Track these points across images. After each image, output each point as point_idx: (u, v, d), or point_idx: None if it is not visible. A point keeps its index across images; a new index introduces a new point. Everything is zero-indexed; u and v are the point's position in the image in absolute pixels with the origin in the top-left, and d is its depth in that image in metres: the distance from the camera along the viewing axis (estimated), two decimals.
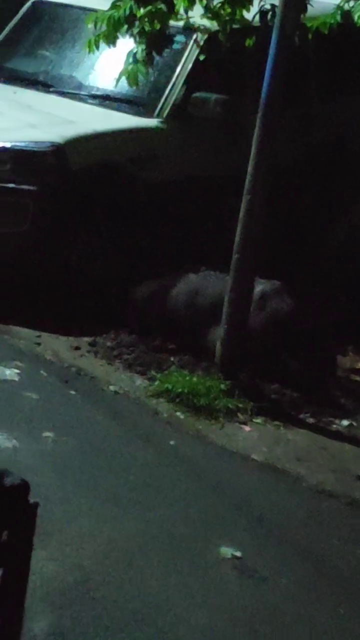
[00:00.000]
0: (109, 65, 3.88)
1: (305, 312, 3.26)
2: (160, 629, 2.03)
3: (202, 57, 3.75)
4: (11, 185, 3.37)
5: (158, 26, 3.47)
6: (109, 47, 3.54)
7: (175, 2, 3.49)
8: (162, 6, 3.46)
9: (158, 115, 3.81)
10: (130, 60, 3.53)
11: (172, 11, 3.53)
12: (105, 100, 3.92)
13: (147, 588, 2.19)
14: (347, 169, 4.17)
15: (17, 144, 3.42)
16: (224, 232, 3.51)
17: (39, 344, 3.45)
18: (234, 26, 3.54)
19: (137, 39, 3.52)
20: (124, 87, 3.70)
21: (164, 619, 2.05)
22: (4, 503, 1.19)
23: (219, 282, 3.37)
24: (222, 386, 3.22)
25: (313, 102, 3.98)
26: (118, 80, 3.59)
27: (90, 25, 3.52)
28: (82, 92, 3.97)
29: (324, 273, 3.80)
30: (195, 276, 3.52)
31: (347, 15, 3.32)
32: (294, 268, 3.79)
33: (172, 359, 3.41)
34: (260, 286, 3.31)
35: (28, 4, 4.17)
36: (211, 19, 3.61)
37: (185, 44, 3.83)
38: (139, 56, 3.54)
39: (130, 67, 3.54)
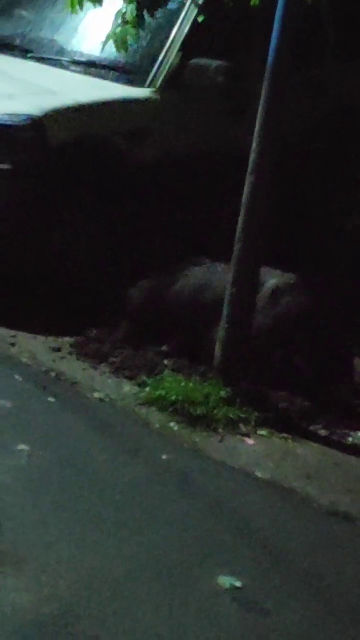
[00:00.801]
0: (94, 27, 3.58)
1: (325, 312, 2.93)
2: None
3: (200, 19, 3.42)
4: None
5: None
6: (95, 6, 3.21)
7: None
8: None
9: (151, 85, 3.50)
10: (119, 21, 3.22)
11: None
12: (91, 67, 3.61)
13: (134, 623, 2.00)
14: None
15: None
16: (228, 218, 3.18)
17: (13, 344, 3.18)
18: None
19: None
20: (111, 52, 3.39)
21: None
22: None
23: (224, 276, 3.04)
24: (222, 393, 2.94)
25: (327, 67, 3.62)
26: (104, 44, 3.29)
27: None
28: (65, 58, 3.66)
29: (340, 263, 3.48)
30: (199, 269, 3.20)
31: None
32: (306, 259, 3.46)
33: (165, 362, 3.09)
34: (272, 280, 2.97)
35: None
36: None
37: (182, 4, 3.52)
38: (129, 17, 3.22)
39: (119, 29, 3.22)
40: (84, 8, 3.21)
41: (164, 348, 3.12)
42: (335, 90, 3.73)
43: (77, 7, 3.19)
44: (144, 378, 3.00)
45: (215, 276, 3.12)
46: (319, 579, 2.29)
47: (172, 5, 3.42)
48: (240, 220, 2.83)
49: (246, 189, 2.81)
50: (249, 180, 2.80)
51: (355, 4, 3.64)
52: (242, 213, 2.83)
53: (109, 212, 3.35)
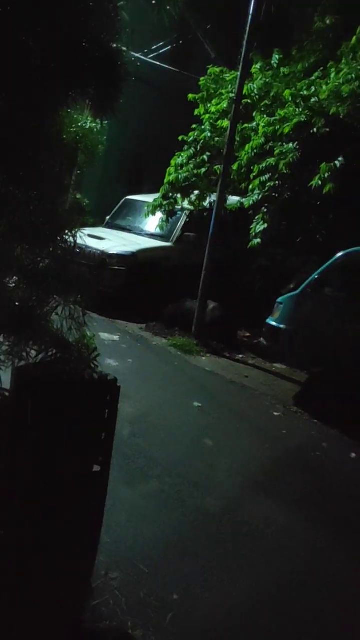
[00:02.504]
0: (153, 222, 9.41)
1: (226, 314, 8.53)
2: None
3: (187, 220, 9.34)
4: (116, 267, 8.77)
5: (171, 208, 9.06)
6: (153, 215, 9.14)
7: (177, 199, 9.11)
8: (172, 201, 9.08)
9: (171, 241, 9.35)
10: (161, 220, 9.14)
11: (175, 202, 9.14)
12: (151, 236, 9.45)
13: (163, 419, 6.46)
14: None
15: (119, 252, 8.87)
16: (197, 287, 8.81)
17: (126, 326, 8.59)
18: (199, 208, 9.13)
19: (163, 213, 9.12)
20: (158, 230, 9.26)
21: (161, 421, 7.04)
22: (109, 389, 2.01)
23: (195, 303, 8.68)
24: (195, 342, 8.36)
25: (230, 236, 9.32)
26: (156, 227, 9.17)
27: (146, 207, 9.15)
28: (143, 232, 9.52)
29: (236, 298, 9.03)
30: (188, 301, 8.83)
31: (241, 204, 8.75)
32: (224, 295, 9.01)
33: (177, 333, 8.63)
34: (211, 304, 8.65)
35: (122, 200, 9.93)
36: (190, 205, 9.22)
37: (181, 214, 9.42)
38: (163, 219, 9.14)
39: (161, 222, 9.14)
40: (149, 215, 9.17)
41: (176, 329, 8.71)
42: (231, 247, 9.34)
43: (149, 215, 9.14)
44: (169, 337, 8.45)
45: (193, 303, 8.76)
46: (229, 404, 6.28)
47: (178, 215, 9.36)
48: (200, 285, 8.52)
49: (202, 275, 8.51)
50: (204, 272, 8.53)
51: (238, 219, 9.37)
52: (201, 284, 8.51)
53: (158, 285, 8.92)
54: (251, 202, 8.09)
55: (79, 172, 8.30)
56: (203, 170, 8.77)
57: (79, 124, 9.35)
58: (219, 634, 2.77)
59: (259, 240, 7.90)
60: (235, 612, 2.94)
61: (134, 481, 4.07)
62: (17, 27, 1.70)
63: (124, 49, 1.94)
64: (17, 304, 2.32)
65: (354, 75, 7.42)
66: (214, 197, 8.51)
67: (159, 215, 9.08)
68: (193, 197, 9.06)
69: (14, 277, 2.44)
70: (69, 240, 2.40)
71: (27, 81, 1.81)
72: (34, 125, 1.91)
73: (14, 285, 2.45)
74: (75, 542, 2.12)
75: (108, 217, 10.30)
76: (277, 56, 9.06)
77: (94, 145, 8.95)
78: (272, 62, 9.03)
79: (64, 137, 2.37)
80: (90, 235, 8.31)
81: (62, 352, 2.28)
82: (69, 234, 2.42)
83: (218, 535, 3.61)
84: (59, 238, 2.43)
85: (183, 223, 9.39)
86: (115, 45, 1.88)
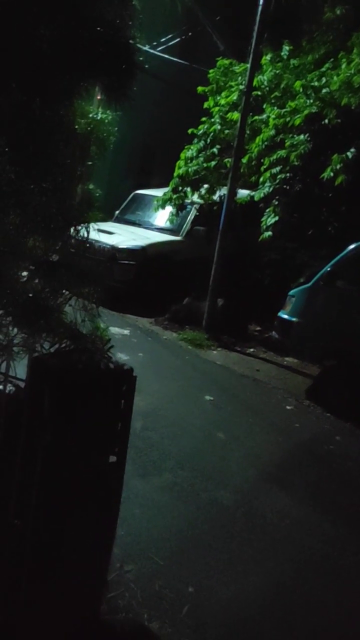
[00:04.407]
0: (162, 216, 9.38)
1: (236, 310, 8.50)
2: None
3: (197, 214, 9.30)
4: (126, 262, 8.76)
5: (180, 201, 9.02)
6: (162, 209, 9.11)
7: (187, 193, 9.06)
8: (182, 194, 9.03)
9: (181, 235, 9.31)
10: (171, 214, 9.11)
11: (185, 196, 9.10)
12: (161, 230, 9.42)
13: (175, 413, 6.42)
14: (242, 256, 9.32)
15: (128, 246, 8.85)
16: (207, 281, 8.79)
17: (137, 320, 8.59)
18: (209, 202, 9.09)
19: (172, 206, 9.09)
20: (168, 224, 9.23)
21: (174, 415, 7.02)
22: (125, 378, 2.02)
23: (204, 302, 8.66)
24: (205, 336, 8.32)
25: (240, 229, 9.28)
26: (166, 221, 9.13)
27: (155, 201, 9.12)
28: (153, 226, 9.49)
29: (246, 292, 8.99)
30: (192, 299, 8.81)
31: (251, 197, 8.72)
32: (234, 289, 8.99)
33: (187, 327, 8.62)
34: (220, 300, 8.62)
35: (132, 194, 9.89)
36: (200, 199, 9.17)
37: (191, 208, 9.37)
38: (173, 212, 9.10)
39: (171, 216, 9.11)
40: (159, 209, 9.15)
41: (188, 326, 8.69)
42: (241, 239, 9.30)
43: (158, 208, 9.12)
44: (180, 332, 8.47)
45: (200, 303, 8.72)
46: (243, 398, 6.25)
47: (188, 209, 9.32)
48: (211, 280, 8.51)
49: (213, 269, 8.50)
50: (214, 266, 8.52)
51: (249, 211, 9.27)
52: (211, 277, 8.51)
53: (168, 277, 8.90)
54: (262, 194, 8.04)
55: (89, 163, 8.31)
56: (213, 163, 8.72)
57: (90, 115, 9.35)
58: (236, 625, 2.77)
59: (270, 233, 7.85)
60: (251, 603, 2.93)
61: (147, 474, 4.07)
62: (28, 13, 1.68)
63: (137, 35, 1.92)
64: (30, 295, 2.31)
65: None
66: (224, 191, 8.48)
67: (169, 209, 9.04)
68: (203, 191, 9.02)
69: (26, 270, 2.43)
70: (81, 231, 2.38)
71: (40, 69, 1.79)
72: (48, 115, 1.90)
73: (26, 277, 2.44)
74: (91, 534, 2.12)
75: (117, 212, 10.29)
76: (286, 47, 8.98)
77: (106, 136, 8.93)
78: (282, 53, 8.95)
79: (76, 127, 2.35)
80: (99, 230, 8.27)
81: (76, 343, 2.27)
82: (82, 225, 2.40)
83: (232, 527, 3.60)
84: (72, 229, 2.41)
85: (193, 217, 9.36)
86: (129, 33, 1.86)
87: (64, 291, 2.43)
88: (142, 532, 3.34)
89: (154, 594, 2.83)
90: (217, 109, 8.92)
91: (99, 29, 1.66)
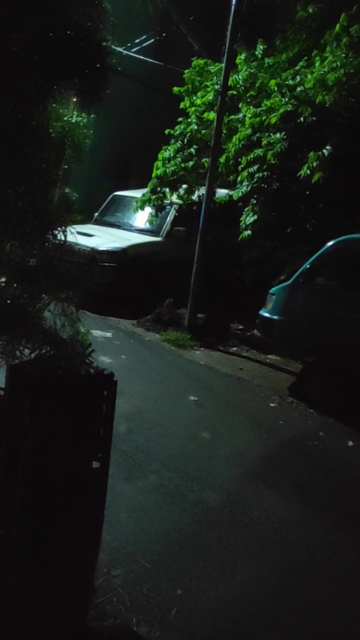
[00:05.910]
0: (142, 217, 9.36)
1: (219, 312, 8.51)
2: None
3: (176, 214, 9.29)
4: (107, 264, 8.72)
5: (159, 202, 9.00)
6: (142, 210, 9.08)
7: (166, 193, 9.05)
8: (160, 195, 9.02)
9: (161, 236, 9.29)
10: (150, 215, 9.09)
11: (164, 197, 9.09)
12: (141, 231, 9.39)
13: (159, 414, 6.01)
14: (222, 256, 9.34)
15: (109, 248, 8.82)
16: (188, 281, 8.80)
17: (119, 322, 8.57)
18: (188, 202, 9.09)
19: (152, 207, 9.07)
20: (148, 225, 9.21)
21: (158, 416, 6.99)
22: (106, 383, 2.01)
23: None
24: (188, 337, 8.33)
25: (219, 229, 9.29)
26: (146, 222, 9.10)
27: (134, 203, 9.09)
28: (132, 228, 9.46)
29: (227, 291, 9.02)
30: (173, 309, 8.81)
31: (230, 197, 8.75)
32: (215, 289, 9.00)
33: (169, 328, 8.61)
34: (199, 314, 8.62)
35: (110, 196, 9.84)
36: (179, 199, 9.17)
37: (170, 209, 9.36)
38: (152, 214, 9.08)
39: (150, 217, 9.09)
40: (138, 210, 9.12)
41: (170, 327, 8.68)
42: (221, 239, 9.33)
43: (137, 209, 9.08)
44: (162, 332, 8.44)
45: (184, 302, 8.74)
46: (226, 396, 6.30)
47: (167, 209, 9.30)
48: (192, 279, 8.52)
49: (194, 268, 8.50)
50: (195, 265, 8.52)
51: (226, 209, 9.29)
52: (192, 277, 8.52)
53: (149, 278, 8.90)
54: (240, 194, 8.06)
55: (66, 167, 8.25)
56: (190, 163, 8.73)
57: (65, 118, 9.27)
58: (225, 626, 2.76)
59: (249, 232, 7.88)
60: (240, 603, 2.93)
61: (132, 477, 4.05)
62: None
63: (110, 38, 1.90)
64: (8, 302, 2.29)
65: (338, 63, 7.41)
66: (202, 191, 8.49)
67: (148, 210, 9.02)
68: (181, 191, 9.02)
69: (4, 276, 2.41)
70: (59, 236, 2.36)
71: (12, 72, 1.77)
72: (22, 118, 1.87)
73: (3, 283, 2.41)
74: (77, 540, 2.10)
75: (96, 214, 10.24)
76: (260, 47, 9.02)
77: (81, 139, 8.88)
78: (256, 52, 8.99)
79: (51, 131, 2.32)
80: (79, 232, 8.25)
81: (57, 349, 2.24)
82: (59, 229, 2.38)
83: (219, 527, 3.60)
84: (49, 234, 2.39)
85: (172, 217, 9.35)
86: (101, 35, 1.84)
87: (43, 296, 2.40)
88: (129, 535, 3.32)
89: (142, 597, 2.82)
90: (193, 109, 8.93)
91: (69, 32, 1.65)
